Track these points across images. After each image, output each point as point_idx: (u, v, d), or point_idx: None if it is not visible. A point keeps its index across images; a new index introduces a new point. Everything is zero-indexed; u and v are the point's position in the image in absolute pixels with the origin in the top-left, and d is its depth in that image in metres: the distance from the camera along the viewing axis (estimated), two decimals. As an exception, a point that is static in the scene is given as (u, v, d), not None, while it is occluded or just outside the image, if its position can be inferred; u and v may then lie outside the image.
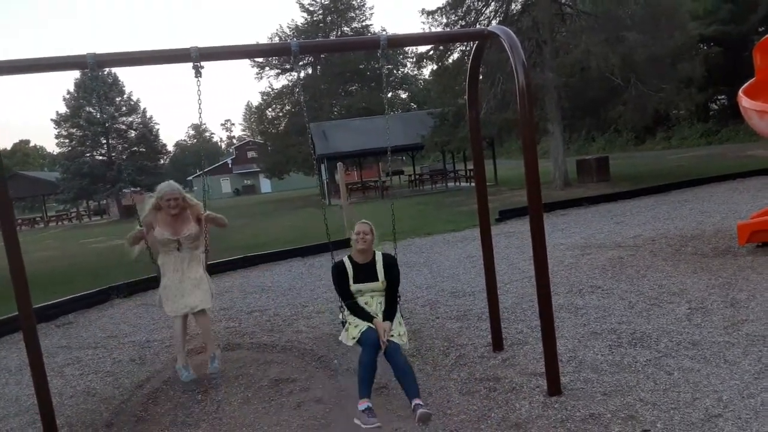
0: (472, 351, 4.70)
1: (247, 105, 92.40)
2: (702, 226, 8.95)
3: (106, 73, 38.72)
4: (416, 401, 3.43)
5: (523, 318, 5.40)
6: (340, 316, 4.00)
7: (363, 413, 3.41)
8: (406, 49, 41.31)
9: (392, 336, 3.72)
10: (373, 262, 3.96)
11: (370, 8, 53.69)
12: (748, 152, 21.96)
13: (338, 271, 3.96)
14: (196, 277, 4.43)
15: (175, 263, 4.41)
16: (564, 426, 3.31)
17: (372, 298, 3.91)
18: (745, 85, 7.22)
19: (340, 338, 3.93)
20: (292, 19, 54.58)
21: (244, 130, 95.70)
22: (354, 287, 3.90)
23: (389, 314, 3.83)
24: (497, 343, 4.64)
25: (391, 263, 3.99)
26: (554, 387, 3.71)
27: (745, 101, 6.88)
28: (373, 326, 3.71)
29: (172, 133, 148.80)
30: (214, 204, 43.53)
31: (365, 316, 3.80)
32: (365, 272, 3.92)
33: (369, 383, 3.54)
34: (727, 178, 14.79)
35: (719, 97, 33.28)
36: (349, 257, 4.00)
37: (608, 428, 3.22)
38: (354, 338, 3.73)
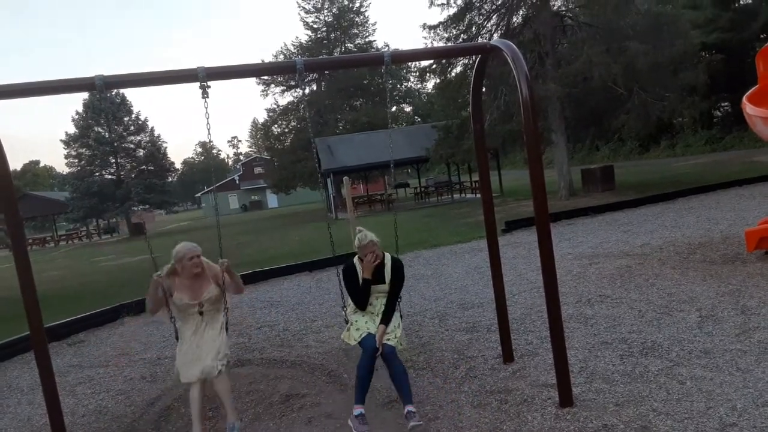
0: (482, 363, 4.69)
1: (253, 122, 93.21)
2: (710, 234, 8.91)
3: (114, 93, 39.15)
4: (409, 408, 3.65)
5: (532, 329, 5.38)
6: (344, 313, 4.18)
7: (356, 419, 3.65)
8: (410, 63, 41.59)
9: (388, 339, 3.89)
10: (381, 264, 4.05)
11: (373, 24, 53.96)
12: (754, 158, 21.88)
13: (348, 272, 4.08)
14: (213, 337, 4.00)
15: (195, 327, 4.02)
16: (577, 437, 3.29)
17: (377, 299, 4.06)
18: (749, 91, 7.23)
19: (342, 336, 4.13)
20: (296, 37, 55.27)
21: (250, 147, 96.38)
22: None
23: (386, 317, 3.98)
24: (507, 355, 4.62)
25: (398, 268, 4.08)
26: (566, 398, 3.69)
27: (749, 108, 6.88)
28: (373, 332, 3.91)
29: (179, 151, 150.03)
30: (223, 220, 43.65)
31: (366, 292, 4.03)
32: (374, 274, 4.01)
33: (364, 389, 3.77)
34: (733, 185, 14.74)
35: (723, 104, 33.25)
36: (359, 258, 4.06)
37: (621, 439, 3.20)
38: (356, 340, 3.95)
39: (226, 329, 4.11)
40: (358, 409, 3.70)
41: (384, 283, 4.04)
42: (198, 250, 4.02)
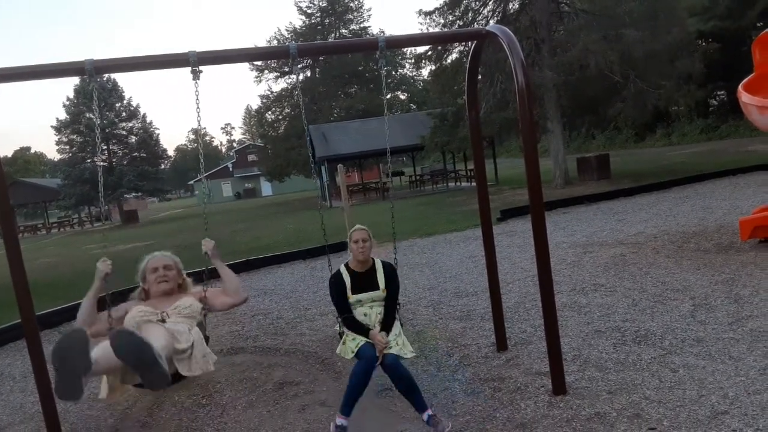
0: (476, 351, 4.69)
1: (247, 108, 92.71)
2: (704, 222, 8.94)
3: (105, 78, 38.77)
4: (428, 413, 3.40)
5: (526, 317, 5.39)
6: (337, 327, 3.83)
7: (337, 428, 3.35)
8: (405, 50, 41.36)
9: (390, 348, 3.55)
10: (372, 269, 3.78)
11: (368, 10, 53.60)
12: (749, 147, 21.93)
13: (336, 283, 3.77)
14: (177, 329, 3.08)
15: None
16: (570, 425, 3.29)
17: (371, 309, 3.72)
18: (745, 80, 7.21)
19: (337, 351, 3.76)
20: (290, 22, 54.87)
21: (244, 134, 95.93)
22: (353, 298, 3.71)
23: (387, 325, 3.66)
24: (501, 343, 4.63)
25: (392, 273, 3.79)
26: (559, 386, 3.70)
27: (744, 96, 6.87)
28: (371, 341, 3.56)
29: (172, 138, 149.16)
30: (216, 207, 43.38)
31: (361, 330, 3.64)
32: (365, 281, 3.73)
33: (353, 400, 3.41)
34: (728, 174, 14.78)
35: (719, 93, 33.26)
36: (346, 266, 3.80)
37: (614, 427, 3.21)
38: (353, 352, 3.58)
39: (205, 333, 3.26)
40: (341, 420, 3.36)
41: (378, 289, 3.72)
42: (166, 260, 3.28)
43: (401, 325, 3.83)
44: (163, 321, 3.09)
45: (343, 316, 3.70)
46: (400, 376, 3.45)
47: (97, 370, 2.72)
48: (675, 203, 11.56)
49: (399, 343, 3.62)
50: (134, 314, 3.16)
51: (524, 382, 3.96)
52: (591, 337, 4.64)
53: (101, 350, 2.70)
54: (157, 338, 2.78)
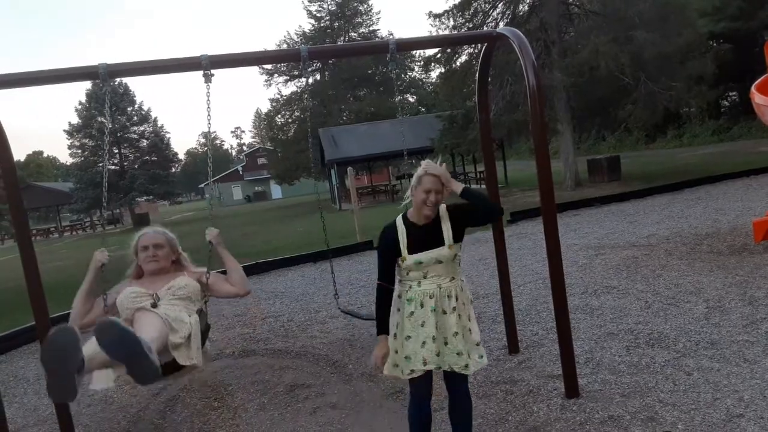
0: (487, 354, 4.66)
1: (257, 112, 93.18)
2: (717, 224, 8.85)
3: (117, 83, 39.13)
4: None
5: (538, 320, 5.36)
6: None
7: None
8: (414, 52, 41.35)
9: (466, 367, 2.73)
10: (437, 219, 2.78)
11: (377, 13, 53.75)
12: (761, 149, 21.69)
13: (386, 239, 2.76)
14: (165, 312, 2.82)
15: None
16: (583, 428, 3.27)
17: (433, 281, 2.68)
18: (758, 81, 7.15)
19: (384, 372, 2.83)
20: (300, 26, 55.02)
21: (254, 137, 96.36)
22: (411, 259, 2.68)
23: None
24: (513, 346, 4.61)
25: (459, 207, 2.84)
26: (572, 389, 3.68)
27: (757, 97, 6.81)
28: (431, 366, 2.68)
29: (183, 142, 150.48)
30: (226, 211, 43.60)
31: (384, 326, 2.75)
32: (427, 235, 2.72)
33: None
34: (741, 175, 14.62)
35: (730, 94, 32.97)
36: (404, 216, 2.82)
37: (628, 430, 3.18)
38: (404, 374, 2.74)
39: (206, 321, 3.06)
40: None
41: (442, 245, 2.67)
42: (158, 238, 3.03)
43: (478, 324, 2.90)
44: (155, 305, 2.80)
45: (378, 284, 2.75)
46: (459, 399, 2.79)
47: (91, 367, 2.53)
48: (687, 205, 11.46)
49: (473, 357, 2.76)
50: (126, 296, 2.89)
51: (537, 384, 3.94)
52: (604, 339, 4.61)
53: (93, 345, 2.43)
54: (149, 328, 2.62)
